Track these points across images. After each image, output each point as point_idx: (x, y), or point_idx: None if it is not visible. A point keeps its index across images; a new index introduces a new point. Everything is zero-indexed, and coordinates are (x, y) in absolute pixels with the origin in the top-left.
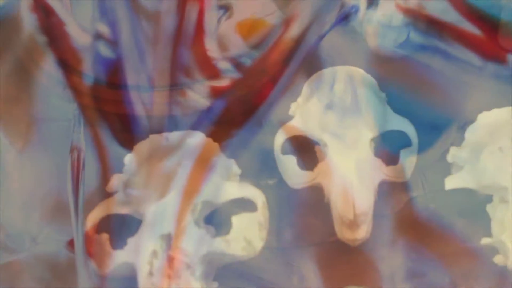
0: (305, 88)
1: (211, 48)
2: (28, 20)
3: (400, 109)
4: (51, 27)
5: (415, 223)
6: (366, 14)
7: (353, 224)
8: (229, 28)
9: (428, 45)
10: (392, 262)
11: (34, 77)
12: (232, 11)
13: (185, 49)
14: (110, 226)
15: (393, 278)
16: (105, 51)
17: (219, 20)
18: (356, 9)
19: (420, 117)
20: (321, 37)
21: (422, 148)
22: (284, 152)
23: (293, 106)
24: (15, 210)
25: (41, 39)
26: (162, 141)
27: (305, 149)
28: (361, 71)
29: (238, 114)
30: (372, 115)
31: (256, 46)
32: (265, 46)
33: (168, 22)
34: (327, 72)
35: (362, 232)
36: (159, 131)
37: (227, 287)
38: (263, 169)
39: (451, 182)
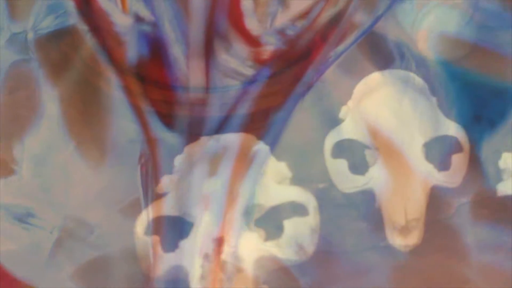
0: (356, 92)
1: (252, 26)
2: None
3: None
4: (91, 14)
5: (467, 229)
6: None
7: (404, 230)
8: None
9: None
10: (443, 268)
11: (100, 96)
12: (287, 6)
13: (223, 22)
14: (161, 229)
15: (445, 284)
16: (147, 30)
17: (274, 16)
18: None
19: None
20: (377, 20)
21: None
22: (335, 155)
23: (344, 109)
24: (98, 212)
25: (100, 55)
26: (212, 142)
27: (356, 153)
28: (412, 75)
29: (284, 83)
30: (424, 120)
31: (299, 19)
32: (309, 19)
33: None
34: (377, 76)
35: (414, 238)
36: (201, 103)
37: None
38: (314, 173)
39: (503, 188)
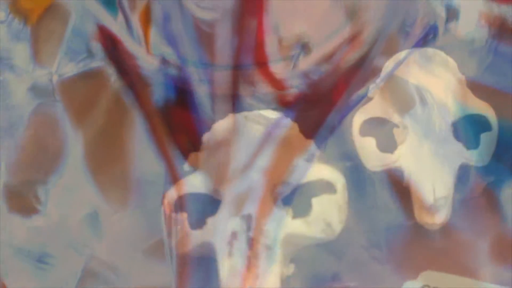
0: (384, 70)
1: (277, 69)
2: (113, 76)
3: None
4: (119, 55)
5: (495, 208)
6: (444, 33)
7: (432, 208)
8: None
9: None
10: (471, 247)
11: (125, 135)
12: (309, 49)
13: (248, 65)
14: (189, 206)
15: (473, 264)
16: (173, 73)
17: (296, 60)
18: (435, 32)
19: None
20: (399, 64)
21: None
22: (363, 134)
23: (372, 87)
24: (121, 253)
25: (126, 97)
26: (241, 120)
27: (385, 132)
28: (442, 53)
29: (308, 126)
30: (452, 98)
31: (322, 62)
32: (332, 63)
33: (226, 42)
34: (404, 54)
35: (442, 216)
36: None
37: (304, 270)
38: (341, 151)
39: None
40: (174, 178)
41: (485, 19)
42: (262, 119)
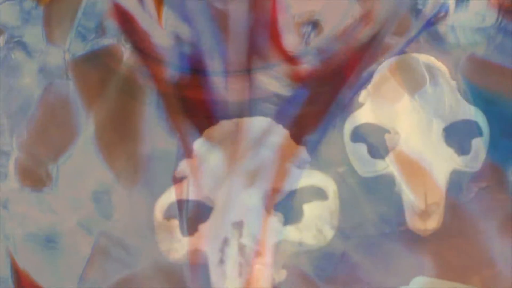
0: (376, 77)
1: (290, 45)
2: (127, 53)
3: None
4: (134, 33)
5: (487, 213)
6: (454, 14)
7: (424, 214)
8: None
9: None
10: (462, 252)
11: (137, 113)
12: (321, 27)
13: (262, 41)
14: (180, 212)
15: (465, 269)
16: (187, 50)
17: (308, 37)
18: (446, 10)
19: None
20: (409, 42)
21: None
22: (354, 140)
23: (364, 93)
24: (131, 230)
25: (140, 75)
26: (232, 126)
27: (376, 137)
28: (432, 58)
29: (321, 104)
30: (444, 104)
31: (336, 39)
32: (345, 40)
33: (241, 19)
34: (398, 61)
35: (433, 222)
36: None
37: (296, 275)
38: (333, 157)
39: None
40: (187, 152)
41: (493, 3)
42: (276, 98)
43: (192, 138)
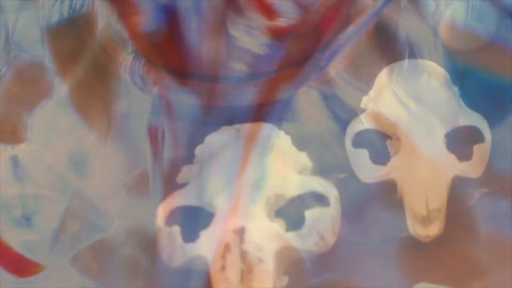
0: (377, 82)
1: None
2: (103, 16)
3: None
4: None
5: (489, 219)
6: None
7: (425, 220)
8: None
9: None
10: (464, 259)
11: (113, 72)
12: None
13: None
14: (181, 219)
15: (467, 275)
16: (163, 1)
17: None
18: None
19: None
20: (386, 3)
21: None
22: (356, 145)
23: (365, 99)
24: (102, 190)
25: (115, 33)
26: (233, 132)
27: (378, 143)
28: (433, 64)
29: (295, 63)
30: (445, 110)
31: None
32: None
33: None
34: (399, 66)
35: (435, 228)
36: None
37: (298, 282)
38: (335, 163)
39: None
40: (166, 105)
41: None
42: (251, 56)
43: (169, 91)
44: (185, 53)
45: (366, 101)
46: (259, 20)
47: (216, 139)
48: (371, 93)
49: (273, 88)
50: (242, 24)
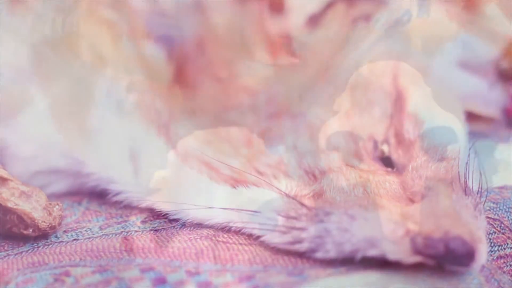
0: (350, 84)
1: None
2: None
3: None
4: None
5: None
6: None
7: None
8: None
9: None
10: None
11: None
12: None
13: None
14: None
15: None
16: None
17: None
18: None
19: None
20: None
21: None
22: (329, 148)
23: (338, 101)
24: None
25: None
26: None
27: (351, 145)
28: (406, 65)
29: None
30: (418, 110)
31: None
32: None
33: None
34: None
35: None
36: None
37: None
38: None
39: (499, 179)
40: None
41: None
42: None
43: None
44: None
45: (339, 103)
46: None
47: (188, 143)
48: (344, 95)
49: None
50: None
